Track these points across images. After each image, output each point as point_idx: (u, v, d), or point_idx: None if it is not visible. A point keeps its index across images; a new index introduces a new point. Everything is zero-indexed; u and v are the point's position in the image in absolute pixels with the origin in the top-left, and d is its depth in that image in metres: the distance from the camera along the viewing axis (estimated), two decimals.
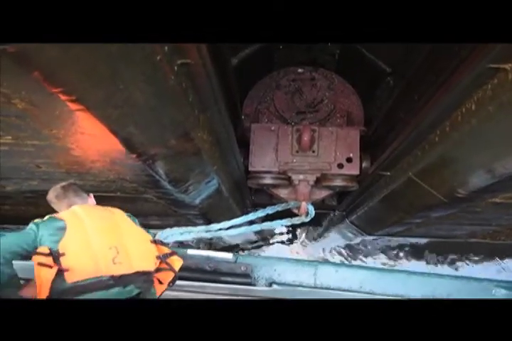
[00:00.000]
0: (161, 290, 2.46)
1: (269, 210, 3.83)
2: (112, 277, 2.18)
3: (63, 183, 2.53)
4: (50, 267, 2.10)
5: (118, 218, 2.46)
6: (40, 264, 2.09)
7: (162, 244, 2.57)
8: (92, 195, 2.62)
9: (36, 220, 2.29)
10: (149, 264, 2.38)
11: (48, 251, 2.13)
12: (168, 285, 2.48)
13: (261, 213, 3.79)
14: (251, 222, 3.92)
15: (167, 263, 2.46)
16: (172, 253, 2.52)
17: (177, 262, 2.53)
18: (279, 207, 3.85)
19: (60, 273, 2.10)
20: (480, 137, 2.08)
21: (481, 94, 1.85)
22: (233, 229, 3.63)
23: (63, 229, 2.22)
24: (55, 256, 2.12)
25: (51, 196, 2.51)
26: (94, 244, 2.23)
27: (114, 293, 2.18)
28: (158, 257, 2.44)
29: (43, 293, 2.04)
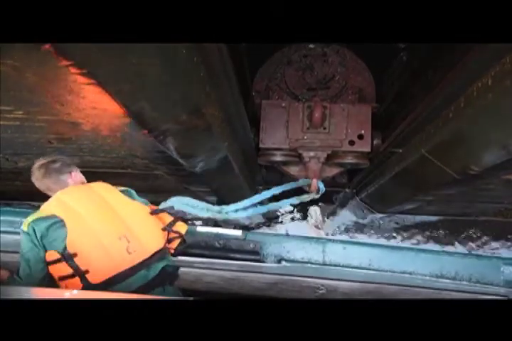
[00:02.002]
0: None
1: (279, 190, 3.80)
2: (133, 267, 2.19)
3: (43, 161, 2.37)
4: (73, 276, 2.09)
5: (106, 196, 2.35)
6: (62, 278, 2.10)
7: (161, 211, 2.53)
8: (74, 171, 2.42)
9: (26, 227, 2.17)
10: (160, 241, 2.39)
11: (58, 256, 2.10)
12: (176, 248, 2.49)
13: (270, 193, 3.74)
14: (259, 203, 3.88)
15: (174, 232, 2.47)
16: (175, 220, 2.51)
17: (183, 227, 2.53)
18: (288, 186, 3.84)
19: (83, 276, 2.09)
20: (496, 113, 2.04)
21: (499, 68, 1.80)
22: (241, 211, 3.57)
23: (62, 226, 2.15)
24: (68, 258, 2.09)
25: (36, 176, 2.36)
26: (102, 238, 2.18)
27: (141, 275, 2.22)
28: (164, 229, 2.43)
29: None
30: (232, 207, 3.46)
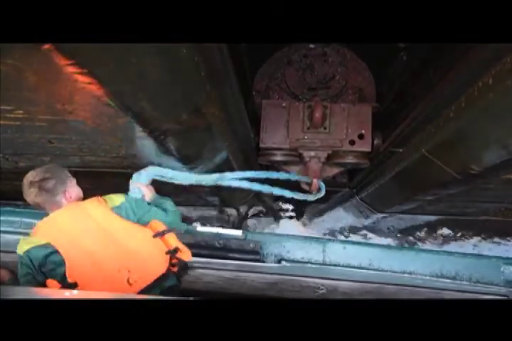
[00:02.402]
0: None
1: (282, 175, 3.69)
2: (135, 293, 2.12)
3: (35, 178, 2.13)
4: None
5: (102, 220, 2.16)
6: None
7: (165, 233, 2.32)
8: (69, 187, 2.20)
9: (21, 253, 2.11)
10: (163, 265, 2.26)
11: (59, 285, 2.05)
12: (179, 271, 2.37)
13: (273, 175, 3.59)
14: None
15: (177, 258, 2.33)
16: (177, 248, 2.33)
17: (187, 255, 2.39)
18: (291, 176, 3.79)
19: None
20: (496, 112, 2.04)
21: (500, 68, 1.81)
22: (244, 182, 3.33)
23: (58, 256, 2.06)
24: (69, 287, 2.03)
25: (27, 193, 2.15)
26: (102, 269, 2.10)
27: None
28: (167, 253, 2.28)
29: None
30: (230, 175, 3.12)
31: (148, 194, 2.55)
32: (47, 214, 2.19)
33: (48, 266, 2.08)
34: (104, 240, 2.14)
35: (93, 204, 2.21)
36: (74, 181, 2.28)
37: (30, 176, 2.15)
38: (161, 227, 2.31)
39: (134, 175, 2.63)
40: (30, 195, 2.14)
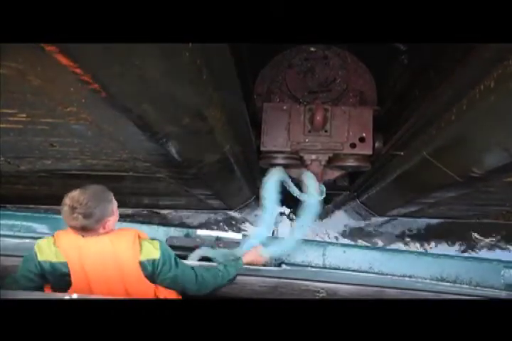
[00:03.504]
0: None
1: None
2: None
3: (80, 203, 1.98)
4: None
5: (125, 266, 2.10)
6: None
7: None
8: (111, 219, 2.10)
9: (42, 259, 2.09)
10: None
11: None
12: None
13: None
14: None
15: None
16: None
17: None
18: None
19: None
20: (498, 115, 2.04)
21: (501, 71, 1.81)
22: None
23: (68, 277, 2.08)
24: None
25: (65, 214, 2.02)
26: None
27: None
28: None
29: None
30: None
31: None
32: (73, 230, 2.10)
33: (57, 280, 2.10)
34: (114, 283, 2.12)
35: (127, 246, 2.12)
36: (115, 206, 2.17)
37: (75, 200, 2.01)
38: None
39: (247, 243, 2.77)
40: (67, 217, 2.03)
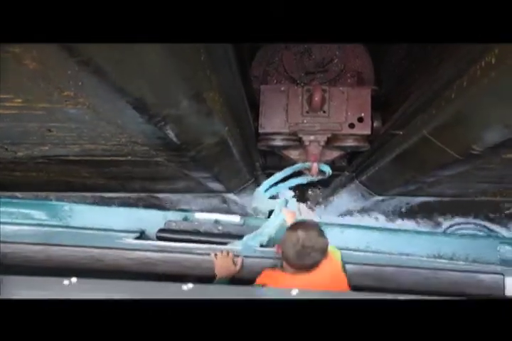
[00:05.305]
0: None
1: (281, 174, 3.81)
2: None
3: (312, 241, 2.30)
4: None
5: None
6: None
7: None
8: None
9: None
10: None
11: None
12: None
13: (276, 179, 3.80)
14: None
15: None
16: None
17: None
18: (290, 170, 3.84)
19: None
20: (499, 91, 2.03)
21: (503, 47, 1.79)
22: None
23: None
24: None
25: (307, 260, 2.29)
26: None
27: None
28: None
29: None
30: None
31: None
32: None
33: None
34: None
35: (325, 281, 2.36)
36: None
37: (307, 241, 2.27)
38: None
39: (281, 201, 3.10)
40: (307, 258, 2.28)
